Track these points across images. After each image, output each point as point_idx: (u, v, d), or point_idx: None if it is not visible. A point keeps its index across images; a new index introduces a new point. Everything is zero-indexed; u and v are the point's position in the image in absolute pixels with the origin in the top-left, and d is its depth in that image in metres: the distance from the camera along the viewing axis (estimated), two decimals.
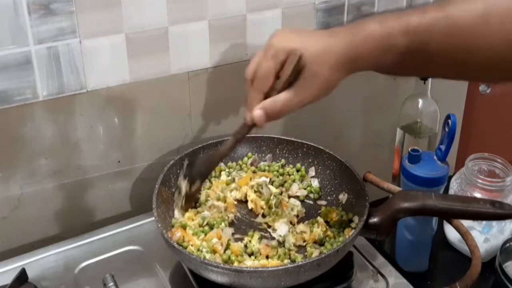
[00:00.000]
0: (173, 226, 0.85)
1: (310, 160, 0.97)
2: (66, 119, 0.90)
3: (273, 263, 0.79)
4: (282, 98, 0.71)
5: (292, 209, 0.89)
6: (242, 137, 0.79)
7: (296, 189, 0.94)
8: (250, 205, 0.91)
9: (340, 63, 0.68)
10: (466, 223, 0.86)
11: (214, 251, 0.80)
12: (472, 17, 0.61)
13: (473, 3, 0.62)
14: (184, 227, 0.84)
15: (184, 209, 0.87)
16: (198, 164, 0.88)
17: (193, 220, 0.86)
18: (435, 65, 0.66)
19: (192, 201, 0.88)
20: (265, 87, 0.72)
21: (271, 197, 0.90)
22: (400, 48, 0.64)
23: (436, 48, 0.63)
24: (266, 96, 0.72)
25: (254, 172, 0.97)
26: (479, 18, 0.61)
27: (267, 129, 1.05)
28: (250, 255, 0.82)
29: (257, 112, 0.72)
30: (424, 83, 1.00)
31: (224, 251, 0.81)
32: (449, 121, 0.89)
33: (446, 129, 0.90)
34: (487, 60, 0.63)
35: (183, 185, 0.86)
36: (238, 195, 0.92)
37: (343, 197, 0.92)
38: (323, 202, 0.93)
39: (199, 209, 0.88)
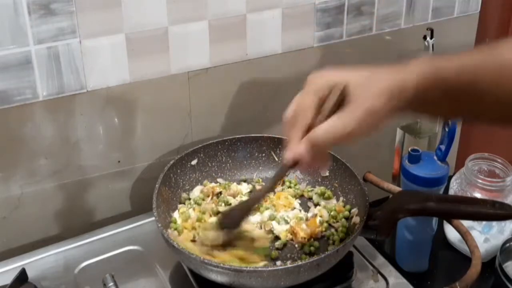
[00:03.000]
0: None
1: None
2: (66, 119, 0.90)
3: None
4: (324, 125, 0.65)
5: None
6: (281, 179, 0.74)
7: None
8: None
9: (385, 91, 0.64)
10: (466, 223, 0.86)
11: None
12: None
13: None
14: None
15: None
16: (232, 214, 0.83)
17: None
18: (483, 106, 0.63)
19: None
20: (306, 122, 0.67)
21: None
22: (449, 81, 0.62)
23: (486, 87, 0.61)
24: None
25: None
26: None
27: (267, 129, 1.06)
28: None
29: (301, 147, 0.67)
30: None
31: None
32: (449, 121, 0.89)
33: (446, 129, 0.90)
34: None
35: (219, 236, 0.81)
36: None
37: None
38: (322, 203, 0.93)
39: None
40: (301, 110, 0.68)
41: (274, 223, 0.87)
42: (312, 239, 0.86)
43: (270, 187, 0.78)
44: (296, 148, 0.67)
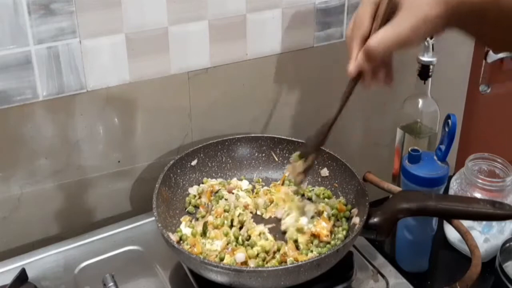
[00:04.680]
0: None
1: None
2: (66, 119, 0.90)
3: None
4: (379, 34, 0.66)
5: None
6: (349, 94, 0.75)
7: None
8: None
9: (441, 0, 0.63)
10: (466, 223, 0.86)
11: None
12: None
13: None
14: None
15: (299, 184, 0.87)
16: (310, 139, 0.84)
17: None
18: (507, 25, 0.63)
19: (308, 172, 0.86)
20: (363, 31, 0.68)
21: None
22: (507, 5, 0.61)
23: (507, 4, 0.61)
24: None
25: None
26: None
27: (267, 129, 1.06)
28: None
29: (359, 58, 0.68)
30: (424, 83, 1.00)
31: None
32: (449, 121, 0.89)
33: (446, 129, 0.90)
34: None
35: (298, 163, 0.84)
36: None
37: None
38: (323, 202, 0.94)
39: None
40: (358, 21, 0.69)
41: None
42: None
43: (340, 107, 0.77)
44: (356, 59, 0.68)
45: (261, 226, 0.87)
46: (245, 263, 0.80)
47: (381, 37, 0.66)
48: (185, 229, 0.86)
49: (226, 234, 0.84)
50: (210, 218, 0.87)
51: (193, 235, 0.84)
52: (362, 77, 0.71)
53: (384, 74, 0.73)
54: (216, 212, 0.88)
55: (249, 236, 0.84)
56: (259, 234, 0.85)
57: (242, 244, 0.83)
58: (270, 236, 0.85)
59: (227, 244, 0.83)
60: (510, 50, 0.68)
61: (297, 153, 0.84)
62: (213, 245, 0.82)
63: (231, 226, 0.87)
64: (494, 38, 0.67)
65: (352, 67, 0.70)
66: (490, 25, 0.64)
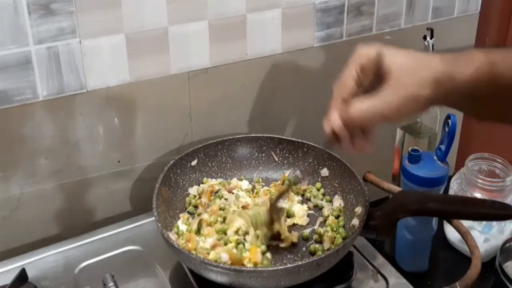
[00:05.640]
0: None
1: (310, 160, 0.97)
2: (66, 119, 0.90)
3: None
4: (363, 105, 0.64)
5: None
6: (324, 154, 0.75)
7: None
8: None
9: (432, 80, 0.60)
10: (466, 223, 0.86)
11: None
12: None
13: None
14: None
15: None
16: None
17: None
18: None
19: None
20: (345, 93, 0.66)
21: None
22: (504, 80, 0.59)
23: None
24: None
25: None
26: None
27: (267, 129, 1.06)
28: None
29: (337, 121, 0.66)
30: None
31: None
32: (449, 121, 0.89)
33: (446, 129, 0.90)
34: None
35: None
36: None
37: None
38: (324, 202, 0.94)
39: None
40: (343, 80, 0.67)
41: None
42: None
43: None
44: (332, 120, 0.66)
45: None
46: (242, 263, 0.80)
47: (365, 109, 0.64)
48: (182, 225, 0.86)
49: (218, 232, 0.84)
50: (205, 216, 0.87)
51: (188, 231, 0.85)
52: (338, 140, 0.69)
53: (362, 141, 0.70)
54: (211, 210, 0.88)
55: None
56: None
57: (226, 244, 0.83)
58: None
59: (218, 240, 0.83)
60: (500, 121, 0.68)
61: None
62: (205, 243, 0.83)
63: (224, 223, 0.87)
64: (484, 112, 0.66)
65: (327, 126, 0.67)
66: (481, 100, 0.62)
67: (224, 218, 0.87)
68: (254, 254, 0.80)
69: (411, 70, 0.62)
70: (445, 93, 0.61)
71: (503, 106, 0.62)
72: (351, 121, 0.65)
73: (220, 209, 0.89)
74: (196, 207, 0.92)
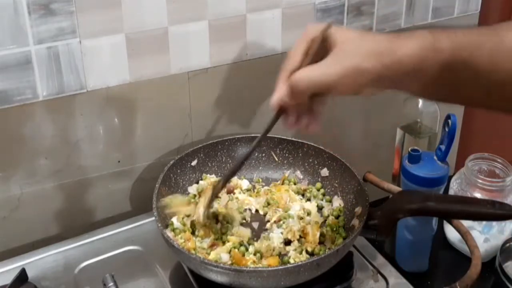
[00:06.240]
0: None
1: (310, 160, 0.97)
2: (66, 119, 0.90)
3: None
4: (304, 70, 0.65)
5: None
6: (269, 129, 0.74)
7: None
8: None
9: (377, 51, 0.61)
10: (466, 223, 0.86)
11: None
12: None
13: None
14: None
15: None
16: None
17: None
18: (473, 86, 0.61)
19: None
20: (292, 66, 0.67)
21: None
22: (444, 53, 0.59)
23: (480, 65, 0.59)
24: None
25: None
26: None
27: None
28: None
29: (282, 89, 0.67)
30: None
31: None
32: (449, 121, 0.89)
33: (446, 129, 0.90)
34: None
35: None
36: None
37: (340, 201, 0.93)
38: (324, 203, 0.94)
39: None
40: (291, 54, 0.68)
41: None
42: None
43: (258, 140, 0.77)
44: (278, 91, 0.67)
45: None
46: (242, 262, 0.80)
47: (306, 74, 0.64)
48: (176, 223, 0.86)
49: (215, 233, 0.85)
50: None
51: (184, 231, 0.85)
52: (284, 111, 0.69)
53: (308, 120, 0.70)
54: None
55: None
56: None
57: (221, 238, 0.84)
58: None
59: (216, 240, 0.84)
60: (448, 101, 0.68)
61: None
62: (203, 243, 0.83)
63: (217, 222, 0.87)
64: (430, 91, 0.65)
65: (274, 98, 0.68)
66: (427, 78, 0.61)
67: (217, 216, 0.88)
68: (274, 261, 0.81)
69: (355, 42, 0.63)
70: (389, 67, 0.61)
71: (448, 84, 0.62)
72: (293, 88, 0.65)
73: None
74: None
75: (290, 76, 0.66)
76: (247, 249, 0.82)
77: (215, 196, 0.84)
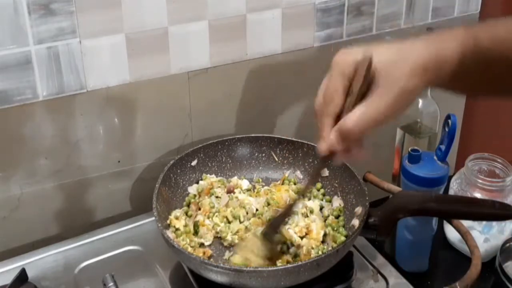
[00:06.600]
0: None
1: (310, 160, 0.97)
2: (66, 119, 0.90)
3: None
4: (356, 114, 0.61)
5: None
6: (319, 174, 0.71)
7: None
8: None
9: (419, 68, 0.59)
10: (466, 223, 0.86)
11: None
12: None
13: None
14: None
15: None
16: (274, 222, 0.81)
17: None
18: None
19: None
20: (335, 108, 0.63)
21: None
22: (485, 52, 0.58)
23: None
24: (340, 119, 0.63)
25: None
26: None
27: (267, 129, 1.06)
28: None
29: (332, 138, 0.63)
30: None
31: None
32: (449, 121, 0.89)
33: (446, 129, 0.90)
34: None
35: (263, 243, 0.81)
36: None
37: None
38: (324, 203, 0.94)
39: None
40: (329, 95, 0.63)
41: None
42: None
43: (310, 183, 0.76)
44: (328, 139, 0.63)
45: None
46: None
47: (359, 118, 0.61)
48: (178, 223, 0.86)
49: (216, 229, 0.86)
50: (199, 218, 0.88)
51: (186, 232, 0.85)
52: (333, 156, 0.66)
53: (357, 150, 0.67)
54: (203, 211, 0.89)
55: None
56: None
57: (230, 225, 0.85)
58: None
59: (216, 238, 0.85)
60: (492, 95, 0.66)
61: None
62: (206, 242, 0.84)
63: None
64: (475, 89, 0.65)
65: (324, 147, 0.64)
66: (471, 77, 0.61)
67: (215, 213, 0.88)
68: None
69: (395, 64, 0.60)
70: (435, 74, 0.60)
71: (491, 79, 0.61)
72: (348, 134, 0.62)
73: (211, 207, 0.89)
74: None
75: (337, 120, 0.63)
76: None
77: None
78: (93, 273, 0.84)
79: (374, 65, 0.61)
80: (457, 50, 0.59)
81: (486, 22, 0.61)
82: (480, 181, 0.96)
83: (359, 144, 0.66)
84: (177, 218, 0.87)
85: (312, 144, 0.97)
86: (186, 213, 0.90)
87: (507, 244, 0.97)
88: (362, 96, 0.62)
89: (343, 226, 0.88)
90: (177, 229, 0.86)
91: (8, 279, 0.79)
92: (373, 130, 0.63)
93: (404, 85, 0.59)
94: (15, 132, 0.87)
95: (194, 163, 0.95)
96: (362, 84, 0.61)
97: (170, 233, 0.83)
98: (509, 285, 0.90)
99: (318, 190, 0.95)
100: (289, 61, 1.05)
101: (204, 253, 0.83)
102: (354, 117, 0.61)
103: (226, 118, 1.03)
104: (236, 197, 0.92)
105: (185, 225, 0.87)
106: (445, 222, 1.06)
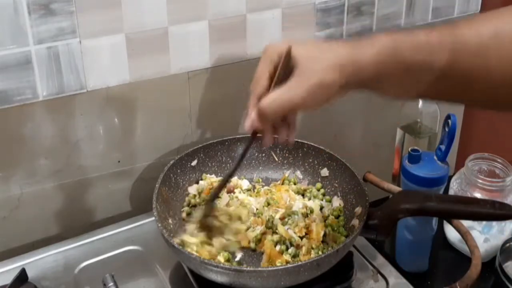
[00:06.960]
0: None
1: (310, 160, 0.97)
2: (66, 119, 0.90)
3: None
4: (271, 95, 0.67)
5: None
6: (245, 152, 0.77)
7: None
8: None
9: (336, 65, 0.63)
10: (466, 223, 0.86)
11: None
12: (482, 37, 0.59)
13: (483, 25, 0.60)
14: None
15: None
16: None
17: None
18: (438, 86, 0.62)
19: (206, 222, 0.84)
20: (261, 89, 0.69)
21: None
22: (405, 58, 0.61)
23: (441, 66, 0.60)
24: None
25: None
26: (489, 40, 0.59)
27: None
28: None
29: (252, 115, 0.70)
30: None
31: None
32: (449, 121, 0.89)
33: (446, 129, 0.90)
34: (491, 83, 0.60)
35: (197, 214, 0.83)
36: None
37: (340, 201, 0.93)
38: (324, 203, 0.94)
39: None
40: (257, 78, 0.70)
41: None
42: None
43: (235, 166, 0.79)
44: (250, 116, 0.69)
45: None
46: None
47: (273, 99, 0.66)
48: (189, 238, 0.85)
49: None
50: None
51: (202, 244, 0.83)
52: (258, 133, 0.72)
53: (285, 132, 0.74)
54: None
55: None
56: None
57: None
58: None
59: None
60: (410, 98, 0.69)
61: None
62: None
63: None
64: (394, 91, 0.66)
65: (246, 124, 0.71)
66: (390, 81, 0.63)
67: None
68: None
69: (315, 58, 0.65)
70: (352, 76, 0.63)
71: (410, 84, 0.63)
72: (262, 112, 0.67)
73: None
74: (194, 206, 0.92)
75: (259, 102, 0.68)
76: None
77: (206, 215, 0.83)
78: (93, 273, 0.84)
79: (296, 56, 0.66)
80: (373, 57, 0.62)
81: (409, 29, 0.64)
82: (480, 181, 0.96)
83: (289, 127, 0.73)
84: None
85: (312, 144, 0.97)
86: (188, 214, 0.90)
87: (507, 244, 0.97)
88: (283, 82, 0.67)
89: (343, 226, 0.88)
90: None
91: (8, 279, 0.79)
92: (290, 113, 0.70)
93: (321, 77, 0.64)
94: (15, 132, 0.87)
95: (194, 163, 0.95)
96: (281, 70, 0.67)
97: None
98: (509, 285, 0.90)
99: (318, 190, 0.95)
100: None
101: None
102: (269, 98, 0.67)
103: (226, 118, 1.03)
104: (236, 197, 0.92)
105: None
106: (445, 222, 1.06)
